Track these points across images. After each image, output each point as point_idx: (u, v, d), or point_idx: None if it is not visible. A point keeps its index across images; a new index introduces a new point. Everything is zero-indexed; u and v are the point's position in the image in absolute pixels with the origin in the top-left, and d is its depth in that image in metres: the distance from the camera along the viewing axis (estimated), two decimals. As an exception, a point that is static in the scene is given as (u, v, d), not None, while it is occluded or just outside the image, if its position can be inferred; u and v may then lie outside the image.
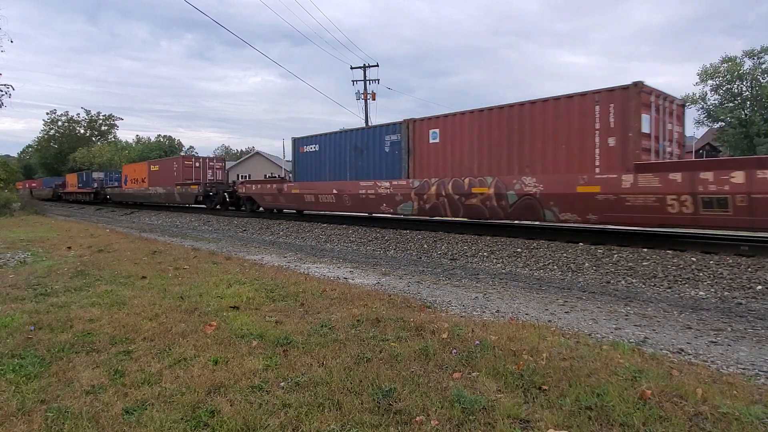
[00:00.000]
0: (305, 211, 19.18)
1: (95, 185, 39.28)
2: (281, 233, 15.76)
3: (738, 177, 7.58)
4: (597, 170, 9.48)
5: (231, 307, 5.36)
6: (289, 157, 31.82)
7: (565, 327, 4.85)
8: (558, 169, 10.15)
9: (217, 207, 24.01)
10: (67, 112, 73.77)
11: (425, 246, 11.58)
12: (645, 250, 9.02)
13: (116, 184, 38.45)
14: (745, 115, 40.30)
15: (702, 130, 53.13)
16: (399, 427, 2.75)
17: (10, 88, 24.97)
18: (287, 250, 11.91)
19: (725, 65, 40.51)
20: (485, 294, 6.59)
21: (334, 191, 15.61)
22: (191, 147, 71.08)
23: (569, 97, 10.06)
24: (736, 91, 40.96)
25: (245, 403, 3.02)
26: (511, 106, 11.16)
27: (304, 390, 3.22)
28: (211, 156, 29.83)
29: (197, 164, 27.42)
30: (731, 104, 41.08)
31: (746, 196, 7.51)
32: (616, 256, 8.89)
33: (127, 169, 35.34)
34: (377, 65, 34.51)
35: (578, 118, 9.85)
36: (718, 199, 7.76)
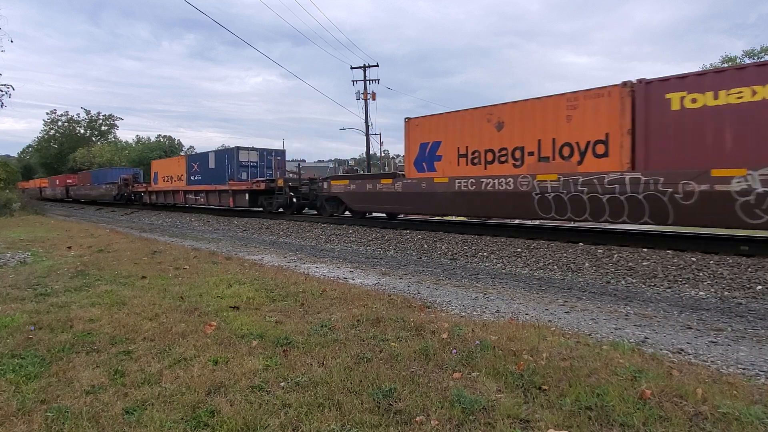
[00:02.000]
0: None
1: (243, 176, 21.26)
2: (281, 233, 15.75)
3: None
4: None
5: (231, 307, 5.36)
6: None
7: (565, 327, 4.85)
8: None
9: None
10: (67, 112, 73.78)
11: (425, 246, 11.57)
12: (645, 250, 9.02)
13: (268, 174, 21.63)
14: (746, 115, 40.26)
15: (702, 130, 53.06)
16: (399, 427, 2.75)
17: (10, 88, 24.90)
18: (287, 250, 11.91)
19: (725, 65, 40.54)
20: (485, 294, 6.59)
21: None
22: (191, 147, 71.11)
23: None
24: (736, 91, 40.93)
25: (245, 403, 3.02)
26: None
27: (304, 390, 3.21)
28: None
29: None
30: (731, 104, 41.06)
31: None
32: (616, 256, 8.88)
33: (433, 123, 12.91)
34: (377, 65, 34.55)
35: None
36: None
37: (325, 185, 16.64)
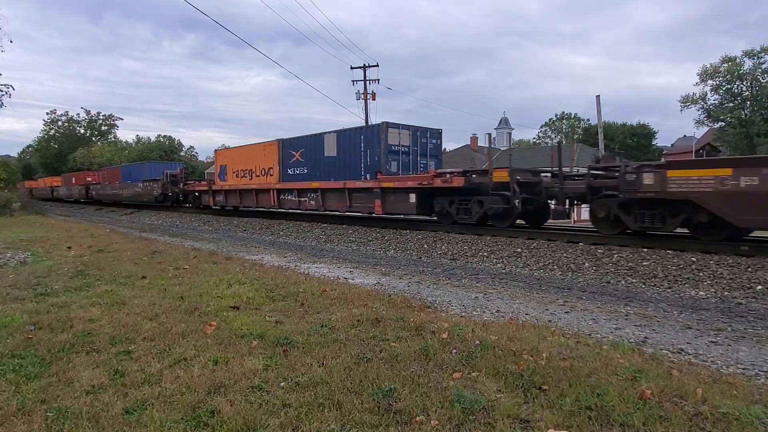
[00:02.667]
0: None
1: (392, 168, 14.21)
2: (281, 233, 15.75)
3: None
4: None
5: (231, 307, 5.36)
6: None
7: (565, 327, 4.85)
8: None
9: None
10: (67, 112, 73.73)
11: (425, 246, 11.57)
12: (645, 250, 9.01)
13: (422, 165, 14.86)
14: (745, 115, 40.35)
15: (702, 130, 53.18)
16: (399, 427, 2.75)
17: (10, 88, 24.92)
18: (287, 250, 11.91)
19: (725, 65, 40.56)
20: (485, 294, 6.59)
21: None
22: (191, 147, 71.32)
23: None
24: (736, 91, 41.02)
25: (245, 403, 3.02)
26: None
27: (304, 390, 3.21)
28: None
29: None
30: (731, 104, 41.13)
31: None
32: (616, 256, 8.88)
33: None
34: (377, 65, 34.49)
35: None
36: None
37: (647, 179, 8.98)
